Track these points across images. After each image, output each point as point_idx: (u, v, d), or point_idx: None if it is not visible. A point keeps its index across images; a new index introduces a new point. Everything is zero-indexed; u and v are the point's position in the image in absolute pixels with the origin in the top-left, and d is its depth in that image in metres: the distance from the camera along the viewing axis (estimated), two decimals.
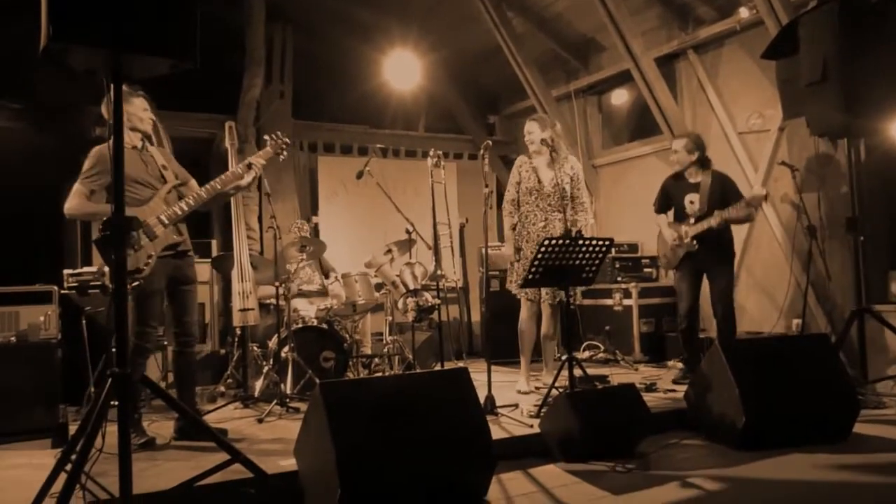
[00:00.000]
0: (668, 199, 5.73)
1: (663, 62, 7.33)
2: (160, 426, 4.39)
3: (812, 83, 5.00)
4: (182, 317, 4.25)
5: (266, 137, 4.64)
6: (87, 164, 4.04)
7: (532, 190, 5.26)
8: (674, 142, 5.76)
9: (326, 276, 6.44)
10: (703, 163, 5.58)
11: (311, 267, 6.36)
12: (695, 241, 5.42)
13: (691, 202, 5.53)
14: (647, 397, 4.46)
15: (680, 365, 5.97)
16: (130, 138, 4.15)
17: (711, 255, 5.43)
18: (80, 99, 6.57)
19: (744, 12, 6.50)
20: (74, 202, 3.98)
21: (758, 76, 6.60)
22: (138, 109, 4.17)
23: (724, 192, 5.44)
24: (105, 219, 2.59)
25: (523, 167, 5.36)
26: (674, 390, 5.09)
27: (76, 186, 4.00)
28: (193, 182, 4.41)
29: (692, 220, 5.47)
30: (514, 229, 5.33)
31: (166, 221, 4.04)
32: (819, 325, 6.08)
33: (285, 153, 4.63)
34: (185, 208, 4.11)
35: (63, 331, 4.90)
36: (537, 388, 5.29)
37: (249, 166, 4.32)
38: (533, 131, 5.28)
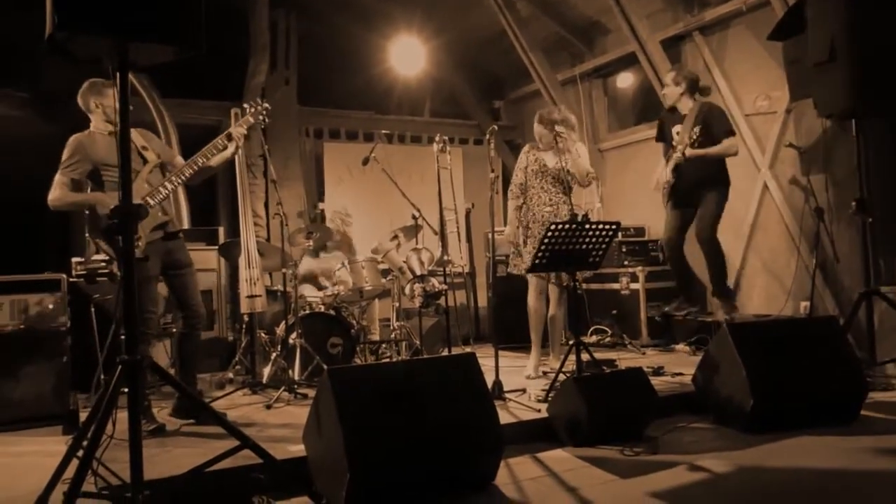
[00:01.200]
0: (663, 131, 5.80)
1: (669, 44, 7.28)
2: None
3: (819, 63, 4.96)
4: (186, 300, 4.29)
5: (245, 105, 4.70)
6: (65, 154, 4.04)
7: (538, 172, 5.32)
8: (665, 76, 5.79)
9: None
10: (693, 93, 5.63)
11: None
12: (672, 176, 5.51)
13: (677, 133, 5.55)
14: (655, 381, 4.47)
15: (687, 349, 6.00)
16: (104, 126, 4.16)
17: (696, 186, 5.52)
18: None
19: None
20: (57, 193, 4.00)
21: (764, 58, 6.55)
22: (112, 101, 4.08)
23: (707, 124, 5.45)
24: (114, 206, 2.59)
25: (531, 153, 5.42)
26: (681, 373, 5.08)
27: (57, 177, 4.02)
28: (179, 159, 4.43)
29: (673, 154, 5.54)
30: (518, 210, 5.39)
31: (151, 203, 4.04)
32: (827, 308, 6.06)
33: (266, 119, 4.72)
34: (170, 186, 4.13)
35: (72, 318, 4.92)
36: (545, 372, 5.30)
37: (230, 137, 4.34)
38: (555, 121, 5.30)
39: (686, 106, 5.67)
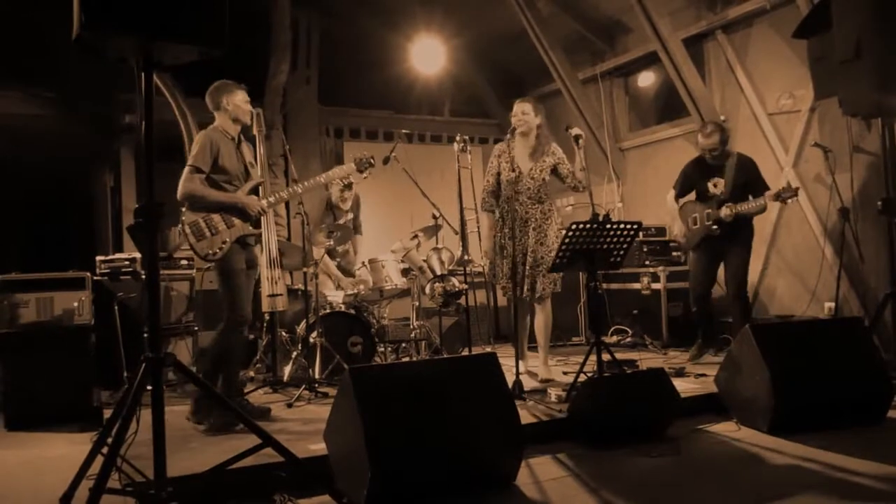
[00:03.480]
0: (690, 182, 5.74)
1: (691, 43, 7.23)
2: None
3: (845, 61, 4.90)
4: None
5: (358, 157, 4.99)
6: (196, 148, 4.16)
7: (511, 182, 5.02)
8: (709, 139, 5.57)
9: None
10: (726, 146, 5.63)
11: (349, 224, 6.40)
12: (715, 226, 5.41)
13: (714, 185, 5.53)
14: (677, 381, 4.43)
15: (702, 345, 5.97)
16: (231, 130, 4.33)
17: (729, 237, 5.48)
18: (110, 86, 6.66)
19: None
20: (190, 187, 4.08)
21: (788, 56, 6.49)
22: (241, 101, 4.34)
23: (747, 179, 5.47)
24: (139, 206, 2.62)
25: (503, 157, 5.12)
26: (703, 374, 5.05)
27: (188, 171, 4.10)
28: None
29: (715, 205, 5.48)
30: (494, 227, 5.15)
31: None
32: (852, 309, 6.00)
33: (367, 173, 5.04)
34: (272, 200, 4.40)
35: (96, 316, 4.98)
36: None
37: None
38: (528, 112, 5.09)
39: (717, 158, 5.57)
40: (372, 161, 4.97)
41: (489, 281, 5.36)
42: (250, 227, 4.31)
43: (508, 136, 5.02)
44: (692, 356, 5.66)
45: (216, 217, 4.15)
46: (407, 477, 2.90)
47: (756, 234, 5.70)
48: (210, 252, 4.10)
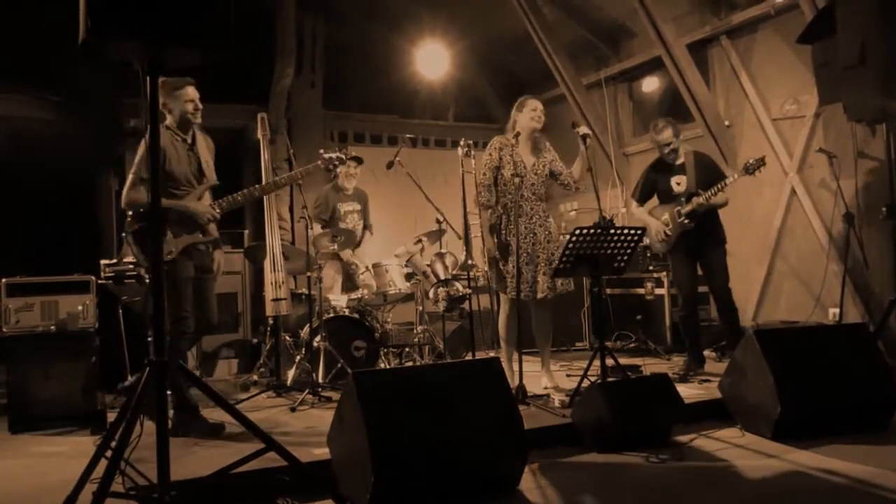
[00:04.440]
0: (653, 185, 5.63)
1: (695, 48, 7.23)
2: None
3: (849, 67, 4.90)
4: (204, 303, 4.24)
5: (321, 151, 4.86)
6: (141, 151, 3.95)
7: (515, 176, 4.76)
8: (661, 134, 5.51)
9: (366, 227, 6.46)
10: (679, 138, 5.54)
11: (359, 215, 6.35)
12: (688, 220, 5.32)
13: (678, 183, 5.46)
14: (681, 387, 4.42)
15: (713, 354, 5.93)
16: (180, 131, 4.12)
17: (702, 239, 5.36)
18: (115, 89, 6.68)
19: None
20: (134, 195, 3.91)
21: (792, 61, 6.48)
22: (181, 103, 4.08)
23: (708, 173, 5.38)
24: (141, 210, 2.62)
25: (504, 150, 4.81)
26: (708, 380, 5.03)
27: (131, 177, 3.95)
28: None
29: (683, 200, 5.36)
30: (495, 225, 4.83)
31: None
32: (857, 314, 5.98)
33: (336, 167, 4.97)
34: (225, 206, 4.19)
35: (100, 319, 4.99)
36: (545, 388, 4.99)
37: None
38: (542, 110, 4.95)
39: (675, 157, 5.51)
40: (343, 157, 4.83)
41: (493, 286, 5.02)
42: (200, 236, 4.12)
43: (512, 136, 4.93)
44: (680, 376, 5.15)
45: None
46: (410, 481, 2.90)
47: (760, 240, 5.69)
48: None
